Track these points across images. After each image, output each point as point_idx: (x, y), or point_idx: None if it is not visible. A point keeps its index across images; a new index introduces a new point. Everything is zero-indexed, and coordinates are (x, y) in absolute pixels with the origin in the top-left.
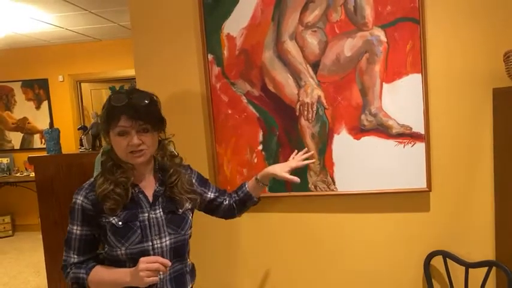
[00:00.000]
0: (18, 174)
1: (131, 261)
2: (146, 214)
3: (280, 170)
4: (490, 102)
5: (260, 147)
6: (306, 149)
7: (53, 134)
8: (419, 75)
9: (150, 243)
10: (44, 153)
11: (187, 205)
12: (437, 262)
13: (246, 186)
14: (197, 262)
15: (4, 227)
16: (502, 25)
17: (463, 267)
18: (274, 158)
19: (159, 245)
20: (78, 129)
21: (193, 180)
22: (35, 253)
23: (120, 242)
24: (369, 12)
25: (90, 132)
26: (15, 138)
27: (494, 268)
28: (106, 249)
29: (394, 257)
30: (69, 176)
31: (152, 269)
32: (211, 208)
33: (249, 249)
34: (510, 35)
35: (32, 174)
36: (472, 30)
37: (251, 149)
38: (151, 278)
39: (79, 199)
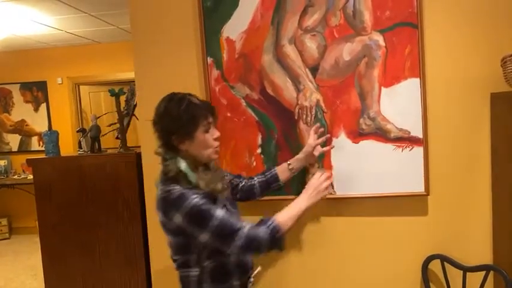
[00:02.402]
0: (15, 177)
1: None
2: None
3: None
4: (487, 107)
5: (259, 150)
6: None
7: (51, 136)
8: (418, 79)
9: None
10: (42, 156)
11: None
12: (435, 266)
13: (276, 169)
14: None
15: (1, 230)
16: (500, 30)
17: (461, 271)
18: (273, 161)
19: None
20: (77, 131)
21: None
22: (31, 256)
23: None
24: (367, 17)
25: (89, 135)
26: (13, 141)
27: (492, 272)
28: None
29: (392, 261)
30: (68, 178)
31: (328, 176)
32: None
33: None
34: (508, 40)
35: (30, 177)
36: (470, 35)
37: (250, 153)
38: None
39: (196, 196)
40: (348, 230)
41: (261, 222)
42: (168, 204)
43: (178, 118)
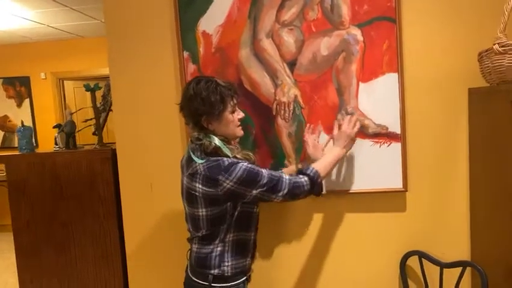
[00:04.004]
0: None
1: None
2: None
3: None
4: (465, 102)
5: None
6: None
7: (25, 133)
8: (396, 74)
9: None
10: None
11: None
12: (413, 262)
13: (282, 171)
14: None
15: None
16: (478, 25)
17: (438, 267)
18: None
19: None
20: (54, 127)
21: None
22: (13, 254)
23: None
24: (345, 11)
25: (64, 131)
26: None
27: (470, 268)
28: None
29: (370, 257)
30: (42, 175)
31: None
32: None
33: None
34: (485, 35)
35: None
36: (448, 30)
37: None
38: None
39: (244, 161)
40: (325, 227)
41: (300, 171)
42: (219, 171)
43: (208, 99)
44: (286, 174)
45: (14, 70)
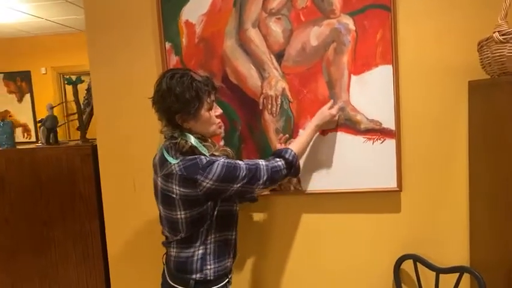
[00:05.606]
0: None
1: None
2: None
3: None
4: (465, 96)
5: (221, 142)
6: None
7: (5, 127)
8: (390, 66)
9: None
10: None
11: None
12: (408, 266)
13: None
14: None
15: None
16: (478, 13)
17: (434, 273)
18: (236, 154)
19: None
20: (37, 122)
21: None
22: None
23: None
24: None
25: (45, 125)
26: None
27: (468, 274)
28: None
29: (362, 261)
30: (22, 171)
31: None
32: None
33: None
34: (486, 24)
35: None
36: (446, 18)
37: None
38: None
39: (221, 157)
40: (314, 228)
41: (276, 154)
42: (196, 170)
43: (182, 97)
44: (265, 160)
45: (14, 65)
